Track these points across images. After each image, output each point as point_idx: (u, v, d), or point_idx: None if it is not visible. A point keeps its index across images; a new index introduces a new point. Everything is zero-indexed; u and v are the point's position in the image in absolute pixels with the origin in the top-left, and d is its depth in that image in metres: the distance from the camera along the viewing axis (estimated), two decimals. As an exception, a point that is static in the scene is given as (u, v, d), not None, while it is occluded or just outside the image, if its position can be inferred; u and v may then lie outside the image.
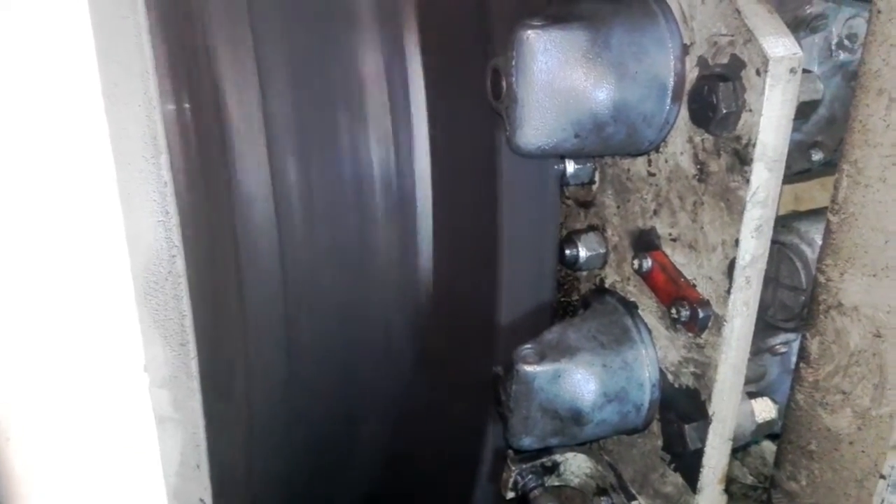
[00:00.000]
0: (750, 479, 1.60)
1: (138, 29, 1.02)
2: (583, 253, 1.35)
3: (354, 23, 1.30)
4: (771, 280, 1.27)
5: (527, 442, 1.31)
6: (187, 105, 1.25)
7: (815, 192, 1.39)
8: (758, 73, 1.02)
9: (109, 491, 1.05)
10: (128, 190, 1.01)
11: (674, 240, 1.21)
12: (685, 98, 1.13)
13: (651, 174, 1.23)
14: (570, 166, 1.33)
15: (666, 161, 1.19)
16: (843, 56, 1.22)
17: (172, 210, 1.07)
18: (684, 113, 1.14)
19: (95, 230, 0.95)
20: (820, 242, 1.13)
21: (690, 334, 1.21)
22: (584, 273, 1.41)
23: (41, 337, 0.94)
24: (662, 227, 1.23)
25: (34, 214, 0.91)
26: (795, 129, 1.13)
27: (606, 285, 1.37)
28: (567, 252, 1.36)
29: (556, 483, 1.48)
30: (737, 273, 1.12)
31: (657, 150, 1.20)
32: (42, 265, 0.92)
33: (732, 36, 1.05)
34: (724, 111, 1.05)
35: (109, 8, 0.99)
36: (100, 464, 1.03)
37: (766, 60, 1.01)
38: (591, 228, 1.37)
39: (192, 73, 1.23)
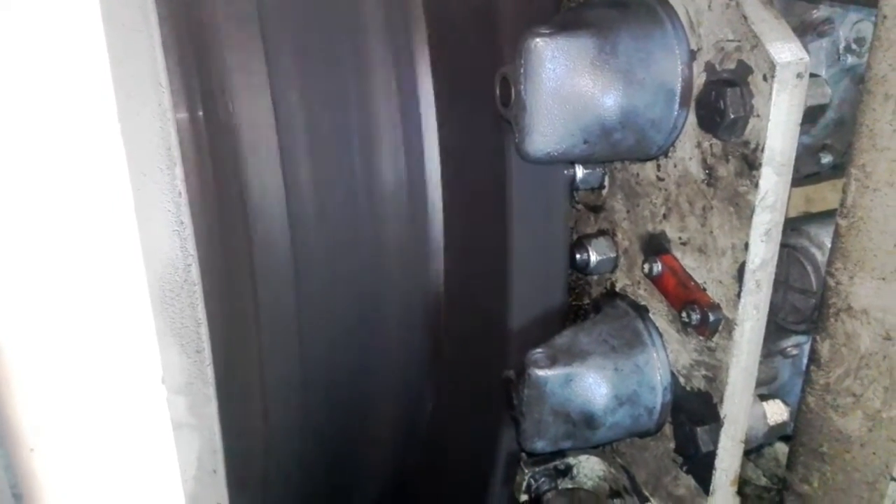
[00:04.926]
0: (764, 481, 1.60)
1: (151, 42, 1.03)
2: (593, 257, 1.36)
3: (365, 33, 1.32)
4: (781, 283, 1.27)
5: (539, 445, 1.32)
6: (200, 114, 1.26)
7: (826, 194, 1.39)
8: (765, 78, 1.03)
9: (130, 498, 1.06)
10: (144, 200, 1.03)
11: (684, 244, 1.22)
12: (693, 103, 1.13)
13: (660, 179, 1.23)
14: (580, 171, 1.33)
15: (675, 166, 1.20)
16: (850, 60, 1.22)
17: (187, 220, 1.08)
18: (692, 118, 1.14)
19: (113, 241, 0.97)
20: (829, 245, 1.14)
21: (701, 337, 1.22)
22: (595, 277, 1.42)
23: (62, 348, 0.96)
24: (672, 231, 1.24)
25: (53, 227, 0.92)
26: (804, 133, 1.13)
27: (617, 289, 1.38)
28: (578, 256, 1.37)
29: (570, 485, 1.49)
30: (747, 277, 1.13)
31: (666, 154, 1.21)
32: (63, 278, 0.94)
33: (739, 41, 1.05)
34: (732, 116, 1.06)
35: (123, 21, 1.01)
36: (121, 471, 1.04)
37: (772, 66, 1.02)
38: (602, 233, 1.38)
39: (205, 83, 1.25)
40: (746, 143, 1.07)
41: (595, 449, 1.48)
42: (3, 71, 0.83)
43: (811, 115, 1.19)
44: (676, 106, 1.14)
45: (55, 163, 0.92)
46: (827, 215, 1.28)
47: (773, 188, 1.08)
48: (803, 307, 1.27)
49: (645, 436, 1.37)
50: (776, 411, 1.35)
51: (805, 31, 1.18)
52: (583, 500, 1.55)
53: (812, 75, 1.13)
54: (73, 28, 0.92)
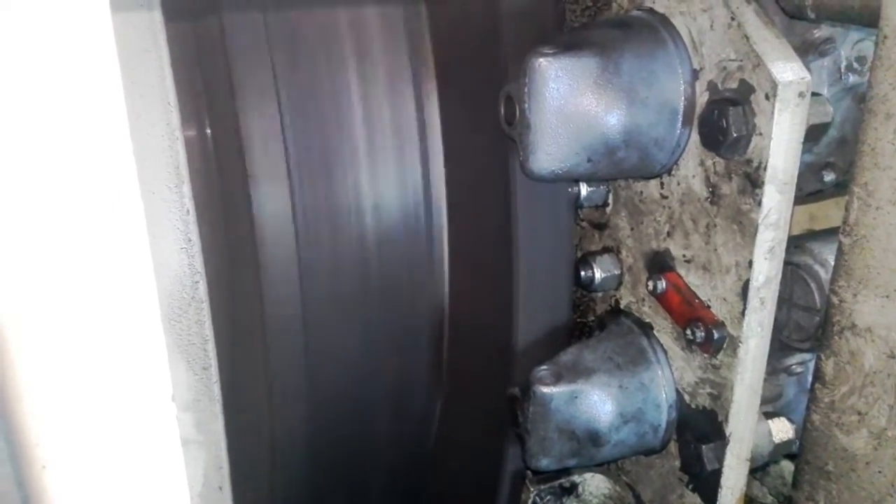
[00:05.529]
0: (770, 499, 1.60)
1: (160, 62, 1.05)
2: (598, 274, 1.37)
3: (372, 54, 1.33)
4: (785, 301, 1.27)
5: (545, 463, 1.32)
6: (208, 132, 1.28)
7: (829, 211, 1.39)
8: (767, 97, 1.04)
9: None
10: (152, 218, 1.03)
11: (688, 261, 1.22)
12: (696, 122, 1.14)
13: (664, 196, 1.24)
14: (584, 189, 1.34)
15: (678, 184, 1.21)
16: (852, 79, 1.23)
17: (195, 237, 1.09)
18: (695, 137, 1.15)
19: (123, 258, 0.98)
20: (833, 263, 1.14)
21: (706, 355, 1.22)
22: (600, 294, 1.42)
23: (75, 365, 0.96)
24: (676, 249, 1.24)
25: (63, 243, 0.93)
26: (806, 151, 1.14)
27: (622, 306, 1.38)
28: (582, 273, 1.38)
29: (575, 504, 1.49)
30: (751, 294, 1.13)
31: (669, 172, 1.21)
32: (73, 296, 0.95)
33: (741, 61, 1.06)
34: (735, 135, 1.07)
35: (133, 42, 1.02)
36: (130, 488, 1.04)
37: (774, 85, 1.02)
38: (606, 250, 1.38)
39: (213, 103, 1.27)
40: (749, 162, 1.08)
41: (600, 467, 1.48)
42: (14, 87, 0.85)
43: (813, 134, 1.20)
44: (679, 124, 1.15)
45: (64, 181, 0.93)
46: (830, 233, 1.28)
47: (776, 206, 1.09)
48: (807, 325, 1.27)
49: (650, 453, 1.37)
50: (781, 429, 1.35)
51: (807, 50, 1.19)
52: (588, 518, 1.54)
53: (814, 94, 1.13)
54: (84, 48, 0.93)
